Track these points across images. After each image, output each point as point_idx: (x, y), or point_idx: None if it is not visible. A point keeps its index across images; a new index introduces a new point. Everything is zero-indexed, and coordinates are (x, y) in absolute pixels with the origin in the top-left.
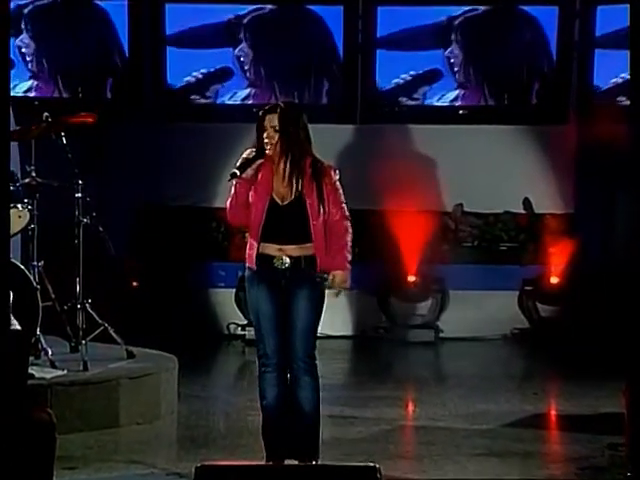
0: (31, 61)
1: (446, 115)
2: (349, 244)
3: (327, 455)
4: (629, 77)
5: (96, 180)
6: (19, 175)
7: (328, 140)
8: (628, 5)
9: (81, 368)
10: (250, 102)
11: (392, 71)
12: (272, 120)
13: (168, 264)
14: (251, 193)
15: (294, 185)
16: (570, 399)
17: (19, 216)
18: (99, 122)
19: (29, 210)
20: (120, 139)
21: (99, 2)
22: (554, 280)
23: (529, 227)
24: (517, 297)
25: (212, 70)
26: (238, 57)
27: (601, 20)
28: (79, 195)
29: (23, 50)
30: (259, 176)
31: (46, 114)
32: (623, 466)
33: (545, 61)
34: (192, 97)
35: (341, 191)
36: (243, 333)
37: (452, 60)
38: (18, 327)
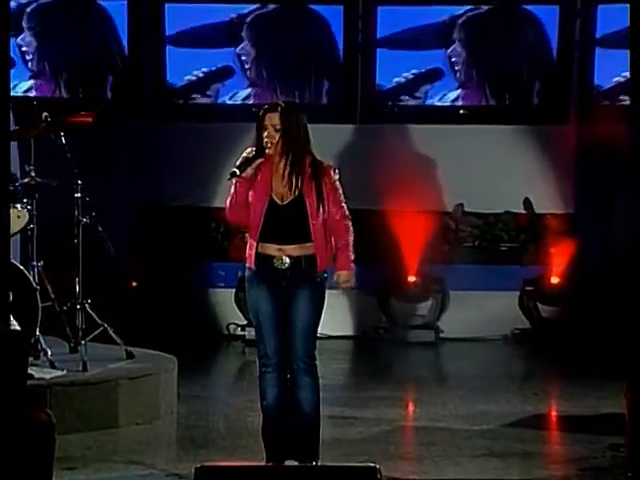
0: (31, 60)
1: (446, 115)
2: (351, 243)
3: (327, 456)
4: (629, 77)
5: (96, 180)
6: (18, 175)
7: (328, 140)
8: (628, 5)
9: (80, 368)
10: (250, 102)
11: (392, 71)
12: (272, 119)
13: (168, 264)
14: (250, 192)
15: (294, 185)
16: (571, 400)
17: (18, 216)
18: (99, 122)
19: (28, 210)
20: (120, 139)
21: (100, 1)
22: (555, 280)
23: (529, 227)
24: (518, 297)
25: (213, 69)
26: (239, 56)
27: (602, 20)
28: (78, 195)
29: (24, 49)
30: (258, 175)
31: (45, 114)
32: (624, 467)
33: (546, 61)
34: (193, 96)
35: (341, 190)
36: (243, 333)
37: (453, 60)
38: (17, 327)
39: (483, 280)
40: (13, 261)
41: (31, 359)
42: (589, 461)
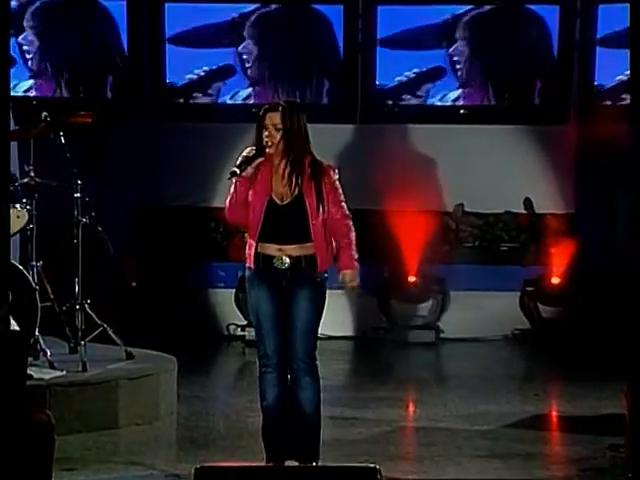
0: (32, 60)
1: (447, 115)
2: (354, 242)
3: (328, 456)
4: (629, 76)
5: (96, 180)
6: (18, 175)
7: (328, 140)
8: (628, 4)
9: (80, 369)
10: (251, 102)
11: (392, 71)
12: (273, 118)
13: (168, 264)
14: (250, 192)
15: (293, 184)
16: (571, 400)
17: (18, 216)
18: (99, 122)
19: (28, 210)
20: (120, 139)
21: (101, 0)
22: (555, 280)
23: (530, 227)
24: (518, 298)
25: (214, 67)
26: (240, 55)
27: (602, 19)
28: (78, 195)
29: (25, 48)
30: (258, 175)
31: (45, 113)
32: (624, 467)
33: (546, 61)
34: (194, 95)
35: (340, 190)
36: (243, 334)
37: (453, 60)
38: (17, 328)
39: (483, 280)
40: (12, 261)
41: (30, 359)
42: (589, 461)
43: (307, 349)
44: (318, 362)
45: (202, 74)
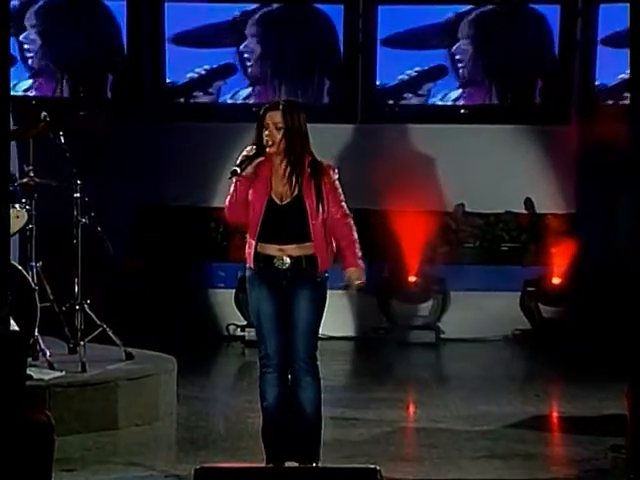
0: (32, 59)
1: (447, 114)
2: (356, 240)
3: (328, 457)
4: (629, 76)
5: (95, 180)
6: (17, 175)
7: (328, 139)
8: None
9: (79, 369)
10: (251, 101)
11: (393, 70)
12: (274, 117)
13: (168, 264)
14: (250, 191)
15: (293, 184)
16: (572, 401)
17: (17, 216)
18: (99, 123)
19: (27, 210)
20: (120, 139)
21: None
22: (556, 281)
23: (531, 227)
24: (519, 298)
25: (215, 66)
26: (240, 55)
27: (603, 19)
28: (77, 195)
29: (26, 47)
30: (258, 174)
31: (44, 113)
32: (626, 468)
33: (548, 60)
34: (195, 94)
35: (340, 190)
36: (243, 334)
37: (454, 59)
38: (16, 328)
39: (484, 280)
40: (12, 261)
41: (30, 360)
42: (591, 462)
43: (308, 349)
44: (319, 362)
45: (203, 72)
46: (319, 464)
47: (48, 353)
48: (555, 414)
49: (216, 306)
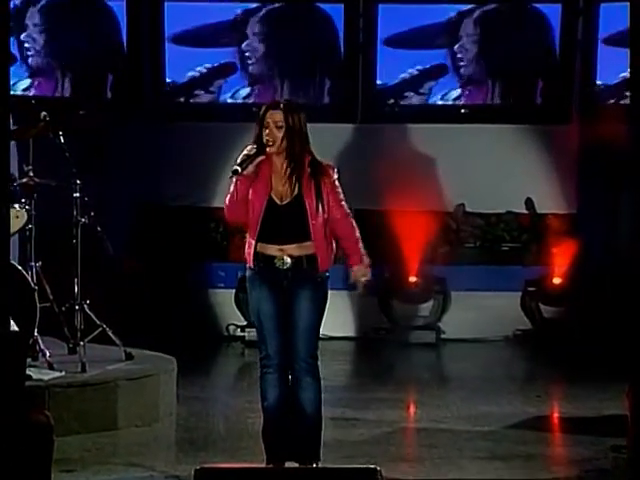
0: (33, 58)
1: (448, 114)
2: (359, 238)
3: (328, 457)
4: (629, 76)
5: (95, 180)
6: (17, 175)
7: (328, 139)
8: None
9: (79, 370)
10: (251, 101)
11: (393, 70)
12: (275, 116)
13: (167, 264)
14: (250, 191)
15: (293, 184)
16: (573, 401)
17: (16, 216)
18: (98, 122)
19: (27, 210)
20: (120, 139)
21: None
22: (557, 281)
23: (531, 227)
24: (519, 298)
25: (215, 65)
26: (241, 54)
27: (604, 18)
28: (77, 195)
29: (26, 45)
30: (258, 174)
31: (44, 113)
32: (627, 468)
33: (549, 60)
34: (195, 92)
35: (340, 190)
36: (243, 334)
37: (455, 59)
38: (16, 328)
39: (485, 281)
40: (11, 261)
41: (29, 360)
42: (592, 463)
43: (309, 349)
44: (319, 362)
45: (204, 71)
46: (319, 464)
47: (48, 353)
48: (556, 414)
49: (216, 306)
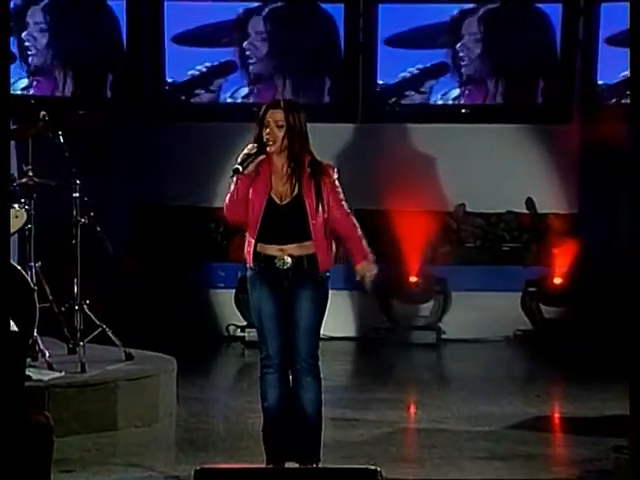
0: (33, 57)
1: (448, 114)
2: (362, 237)
3: (328, 458)
4: (629, 76)
5: (95, 179)
6: (16, 175)
7: (329, 139)
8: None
9: (79, 370)
10: (250, 100)
11: (393, 70)
12: (275, 115)
13: (167, 264)
14: (250, 190)
15: (293, 184)
16: (574, 401)
17: (16, 216)
18: (98, 122)
19: (26, 210)
20: (120, 138)
21: None
22: (558, 281)
23: (532, 227)
24: (520, 298)
25: (216, 64)
26: (242, 54)
27: (605, 18)
28: (77, 195)
29: (26, 44)
30: (259, 173)
31: (43, 113)
32: (628, 469)
33: (550, 59)
34: (196, 91)
35: (340, 189)
36: (243, 335)
37: (456, 58)
38: (15, 328)
39: (485, 281)
40: (11, 261)
41: (29, 360)
42: (593, 463)
43: (310, 349)
44: (320, 362)
45: (204, 70)
46: (319, 465)
47: (47, 354)
48: (557, 415)
49: (216, 306)
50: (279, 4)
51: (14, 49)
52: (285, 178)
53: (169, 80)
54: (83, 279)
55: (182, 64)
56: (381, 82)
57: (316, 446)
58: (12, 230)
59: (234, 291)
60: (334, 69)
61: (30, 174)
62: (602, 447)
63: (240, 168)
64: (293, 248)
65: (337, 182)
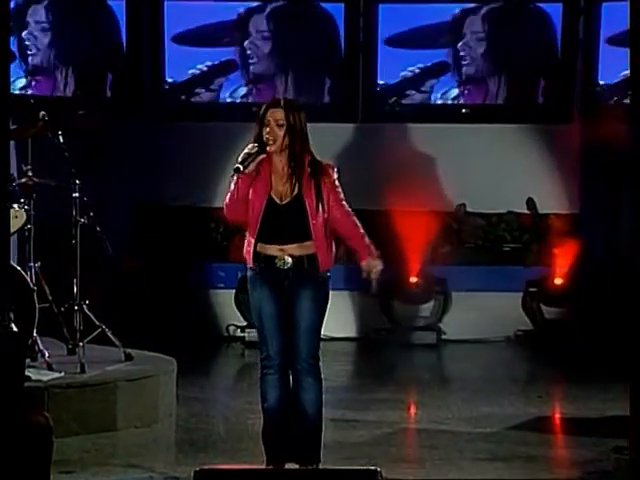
0: (32, 56)
1: (449, 114)
2: (364, 234)
3: (329, 458)
4: (629, 75)
5: (94, 179)
6: (15, 175)
7: (329, 139)
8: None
9: (78, 370)
10: (251, 100)
11: (394, 69)
12: (275, 114)
13: (167, 265)
14: (250, 190)
15: (293, 184)
16: (575, 402)
17: (15, 216)
18: (98, 122)
19: (26, 210)
20: (120, 138)
21: None
22: (558, 281)
23: (533, 227)
24: (521, 298)
25: (216, 63)
26: (242, 53)
27: (606, 18)
28: (76, 195)
29: (26, 43)
30: (259, 172)
31: (43, 113)
32: (629, 470)
33: (550, 59)
34: (196, 91)
35: (340, 189)
36: (243, 335)
37: (456, 58)
38: (15, 329)
39: (486, 281)
40: (10, 262)
41: (28, 361)
42: (594, 464)
43: (311, 349)
44: (321, 363)
45: (205, 69)
46: (319, 466)
47: (47, 354)
48: (557, 415)
49: (216, 307)
50: (280, 3)
51: (13, 48)
52: (285, 178)
53: (169, 80)
54: (83, 279)
55: (182, 64)
56: (381, 82)
57: (316, 447)
58: (12, 230)
59: (234, 291)
60: (334, 69)
61: (30, 174)
62: (603, 448)
63: (241, 167)
64: (293, 248)
65: (337, 182)
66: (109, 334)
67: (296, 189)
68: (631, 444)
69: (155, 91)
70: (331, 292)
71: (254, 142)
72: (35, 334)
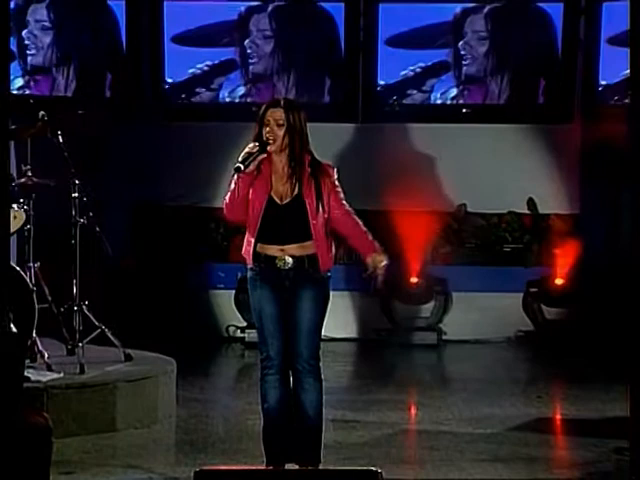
0: (32, 55)
1: (449, 114)
2: (366, 231)
3: (329, 459)
4: (629, 75)
5: (94, 180)
6: (15, 175)
7: (329, 139)
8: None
9: (78, 371)
10: (250, 99)
11: (394, 69)
12: (275, 114)
13: (167, 265)
14: (250, 190)
15: (294, 184)
16: (575, 402)
17: (15, 216)
18: (98, 122)
19: (25, 210)
20: (120, 139)
21: None
22: (559, 282)
23: (533, 228)
24: (521, 299)
25: (216, 62)
26: (241, 53)
27: (606, 18)
28: (76, 195)
29: (26, 43)
30: (260, 172)
31: (42, 113)
32: (629, 471)
33: (551, 59)
34: (196, 90)
35: (340, 189)
36: (242, 335)
37: (456, 58)
38: (14, 329)
39: (486, 281)
40: (10, 262)
41: (28, 361)
42: (594, 465)
43: (311, 350)
44: (321, 364)
45: (205, 68)
46: (320, 466)
47: (46, 355)
48: (558, 416)
49: (216, 307)
50: (280, 3)
51: (13, 47)
52: (285, 178)
53: (169, 80)
54: (82, 280)
55: (182, 64)
56: (381, 82)
57: (316, 448)
58: (11, 230)
59: (234, 292)
60: (334, 69)
61: (29, 174)
62: (603, 449)
63: (242, 167)
64: (294, 248)
65: (337, 182)
66: (109, 334)
67: (296, 189)
68: (631, 445)
69: (155, 91)
70: (331, 293)
71: (254, 142)
72: (34, 335)
